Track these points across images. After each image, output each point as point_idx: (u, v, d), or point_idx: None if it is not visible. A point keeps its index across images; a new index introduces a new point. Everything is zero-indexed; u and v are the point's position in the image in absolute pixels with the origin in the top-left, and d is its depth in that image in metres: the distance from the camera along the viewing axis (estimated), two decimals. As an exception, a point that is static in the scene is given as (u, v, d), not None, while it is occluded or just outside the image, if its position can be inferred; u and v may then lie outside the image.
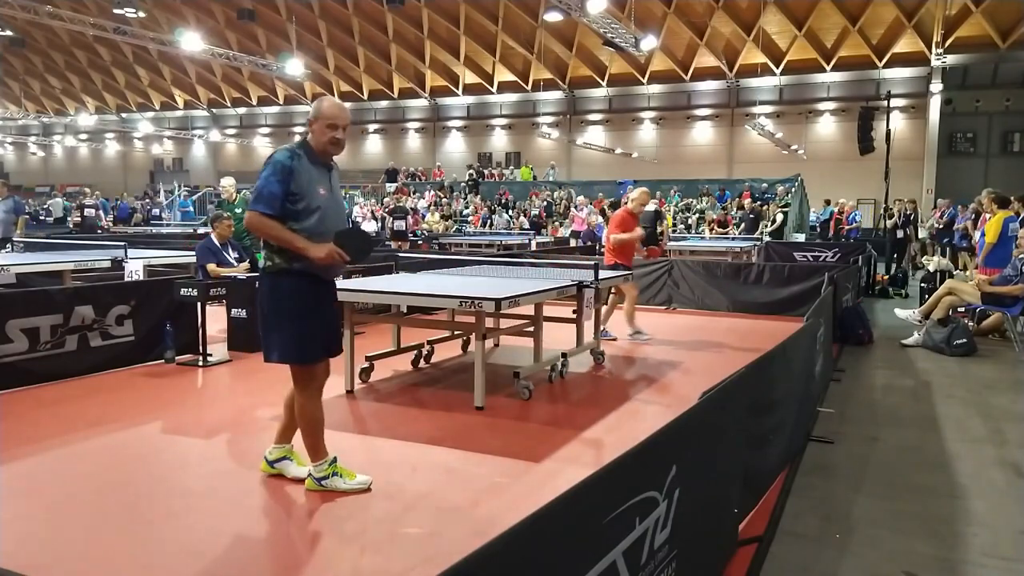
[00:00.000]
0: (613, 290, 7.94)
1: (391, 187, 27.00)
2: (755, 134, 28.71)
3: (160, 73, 38.86)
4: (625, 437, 4.36)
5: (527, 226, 21.17)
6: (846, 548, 3.13)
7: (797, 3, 26.73)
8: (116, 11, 24.09)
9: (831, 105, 29.43)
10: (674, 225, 19.22)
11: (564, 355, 6.08)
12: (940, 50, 25.91)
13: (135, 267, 8.05)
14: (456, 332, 6.71)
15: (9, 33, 32.19)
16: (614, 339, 7.76)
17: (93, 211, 21.00)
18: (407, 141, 37.39)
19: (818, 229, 20.52)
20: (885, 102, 17.22)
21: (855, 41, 27.32)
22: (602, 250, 15.78)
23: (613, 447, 4.27)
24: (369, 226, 21.25)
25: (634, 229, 7.81)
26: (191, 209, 28.20)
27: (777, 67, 29.08)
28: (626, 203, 8.62)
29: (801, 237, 19.26)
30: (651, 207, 15.80)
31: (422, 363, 6.48)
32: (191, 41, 23.03)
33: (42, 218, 26.74)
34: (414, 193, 25.44)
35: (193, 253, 8.08)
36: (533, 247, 15.33)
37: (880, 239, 16.70)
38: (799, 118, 29.95)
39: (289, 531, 3.25)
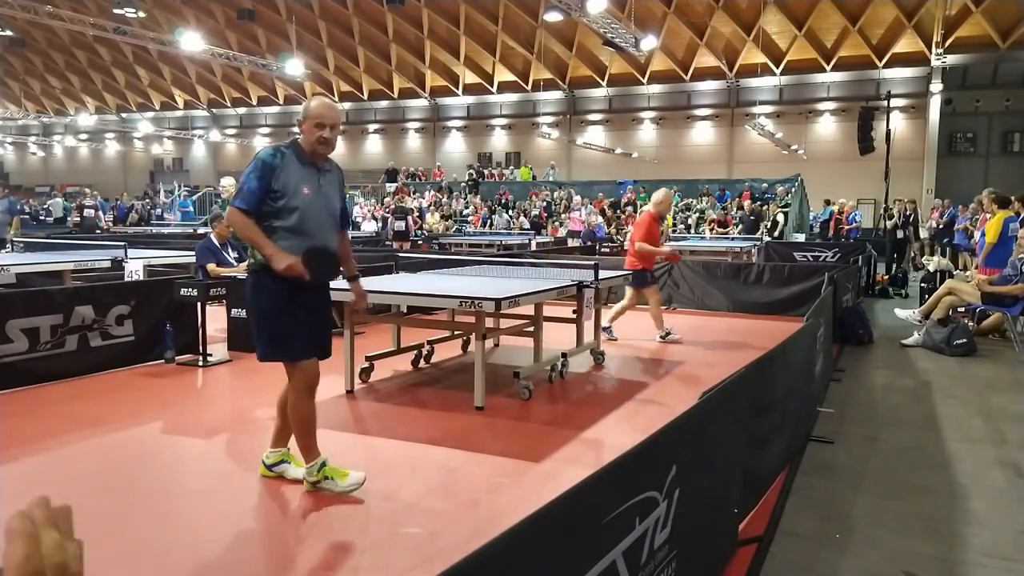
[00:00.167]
0: (630, 293, 7.95)
1: (391, 187, 27.00)
2: (755, 134, 28.71)
3: (160, 73, 38.86)
4: (625, 437, 4.36)
5: (527, 226, 21.18)
6: (846, 548, 3.13)
7: (797, 3, 26.73)
8: (116, 11, 24.10)
9: (831, 105, 29.43)
10: (674, 225, 19.23)
11: (564, 355, 6.08)
12: (940, 50, 25.92)
13: (135, 267, 8.05)
14: (456, 332, 6.71)
15: (9, 33, 32.18)
16: (615, 339, 7.76)
17: (93, 211, 21.01)
18: (407, 141, 37.39)
19: (817, 228, 20.50)
20: (885, 102, 17.24)
21: (855, 41, 27.32)
22: (602, 250, 15.92)
23: (613, 447, 4.27)
24: (369, 226, 21.26)
25: (658, 234, 7.92)
26: (191, 209, 28.22)
27: (777, 67, 29.08)
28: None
29: (801, 237, 19.27)
30: (652, 207, 15.87)
31: (422, 363, 6.48)
32: (191, 41, 23.04)
33: (42, 218, 26.74)
34: (414, 193, 25.45)
35: (193, 253, 8.08)
36: (533, 247, 15.33)
37: (880, 239, 16.70)
38: (799, 118, 29.95)
39: (289, 531, 3.25)
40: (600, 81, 32.30)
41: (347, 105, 37.42)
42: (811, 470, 4.05)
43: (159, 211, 28.12)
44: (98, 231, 19.68)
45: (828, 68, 28.46)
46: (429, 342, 6.54)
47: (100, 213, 23.55)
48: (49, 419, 4.88)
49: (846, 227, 19.34)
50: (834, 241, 17.67)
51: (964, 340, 7.47)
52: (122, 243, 9.11)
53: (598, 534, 1.75)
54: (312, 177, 3.48)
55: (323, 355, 3.60)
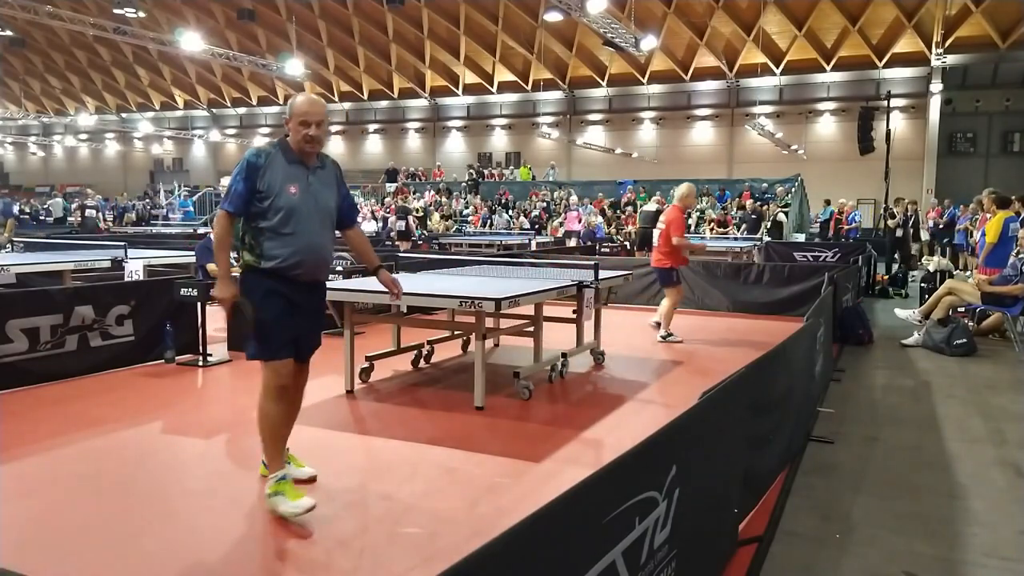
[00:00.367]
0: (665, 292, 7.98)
1: (391, 187, 27.01)
2: (755, 134, 28.71)
3: (160, 73, 38.87)
4: (625, 437, 4.36)
5: (527, 226, 21.18)
6: (846, 548, 3.13)
7: (797, 3, 26.73)
8: (116, 11, 24.10)
9: (831, 105, 29.44)
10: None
11: (564, 355, 6.08)
12: (940, 50, 25.92)
13: (135, 267, 8.05)
14: (456, 332, 6.70)
15: (9, 33, 32.19)
16: (680, 341, 7.76)
17: (94, 211, 21.05)
18: (407, 141, 37.39)
19: (817, 227, 20.52)
20: (885, 102, 17.20)
21: (855, 41, 27.32)
22: (602, 250, 15.93)
23: (613, 447, 4.27)
24: (369, 226, 21.26)
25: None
26: (191, 209, 28.23)
27: (777, 67, 29.08)
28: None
29: (801, 237, 19.26)
30: (652, 207, 15.89)
31: (422, 363, 6.48)
32: (191, 41, 23.05)
33: (42, 218, 26.76)
34: (414, 193, 25.46)
35: (193, 253, 8.08)
36: (533, 247, 15.33)
37: (880, 239, 16.70)
38: (799, 118, 29.96)
39: (289, 531, 3.25)
40: (600, 81, 32.30)
41: (347, 105, 37.45)
42: (811, 470, 4.05)
43: (165, 211, 28.12)
44: (98, 231, 19.71)
45: (828, 68, 28.47)
46: (429, 342, 6.54)
47: (100, 213, 23.58)
48: (49, 419, 4.88)
49: (846, 227, 19.35)
50: (834, 241, 17.68)
51: (964, 340, 7.47)
52: (122, 243, 9.11)
53: (598, 534, 1.75)
54: (300, 176, 3.41)
55: (300, 357, 3.52)
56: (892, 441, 4.65)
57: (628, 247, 18.08)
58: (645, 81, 31.47)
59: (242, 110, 40.24)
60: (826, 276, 7.86)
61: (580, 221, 18.67)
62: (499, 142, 35.67)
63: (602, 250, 16.05)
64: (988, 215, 9.99)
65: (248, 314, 3.36)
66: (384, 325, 6.89)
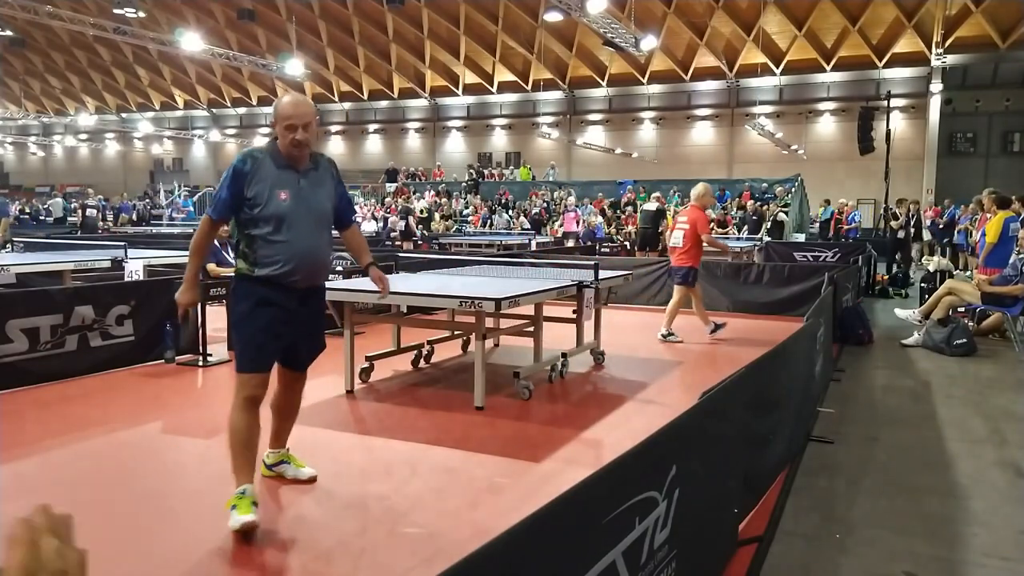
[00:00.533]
0: (694, 291, 8.03)
1: (391, 187, 27.01)
2: (755, 134, 28.70)
3: (160, 73, 38.86)
4: (625, 437, 4.36)
5: (527, 226, 21.18)
6: (846, 548, 3.13)
7: (797, 3, 26.73)
8: (116, 11, 24.11)
9: (831, 105, 29.43)
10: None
11: (564, 355, 6.08)
12: (940, 50, 25.92)
13: (135, 267, 8.05)
14: (456, 332, 6.70)
15: (9, 33, 32.20)
16: (723, 325, 7.94)
17: (95, 212, 21.06)
18: (407, 141, 37.39)
19: (817, 227, 20.52)
20: (885, 102, 17.22)
21: (855, 41, 27.32)
22: (602, 250, 15.93)
23: (613, 447, 4.26)
24: (369, 226, 21.26)
25: None
26: (192, 209, 28.24)
27: (777, 67, 29.08)
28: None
29: (801, 237, 19.26)
30: (653, 206, 15.88)
31: (422, 363, 6.48)
32: (191, 41, 23.04)
33: (42, 218, 26.75)
34: (414, 193, 25.46)
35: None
36: (533, 247, 15.33)
37: (881, 239, 16.71)
38: (799, 118, 29.95)
39: (288, 531, 3.25)
40: (600, 81, 32.30)
41: (347, 105, 37.46)
42: (811, 470, 4.05)
43: (169, 212, 28.07)
44: (97, 231, 19.73)
45: (828, 68, 28.47)
46: (429, 342, 6.54)
47: (100, 213, 23.57)
48: (49, 419, 4.88)
49: (846, 227, 19.35)
50: (834, 241, 17.68)
51: (964, 340, 7.47)
52: (122, 243, 9.11)
53: (598, 534, 1.75)
54: (291, 180, 3.28)
55: (297, 365, 3.51)
56: (892, 441, 4.65)
57: (628, 247, 18.09)
58: (645, 81, 31.47)
59: (242, 110, 40.24)
60: (826, 276, 7.85)
61: (578, 223, 18.67)
62: (499, 142, 35.66)
63: (602, 250, 16.04)
64: (988, 215, 9.99)
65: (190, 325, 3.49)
66: (384, 325, 6.89)
